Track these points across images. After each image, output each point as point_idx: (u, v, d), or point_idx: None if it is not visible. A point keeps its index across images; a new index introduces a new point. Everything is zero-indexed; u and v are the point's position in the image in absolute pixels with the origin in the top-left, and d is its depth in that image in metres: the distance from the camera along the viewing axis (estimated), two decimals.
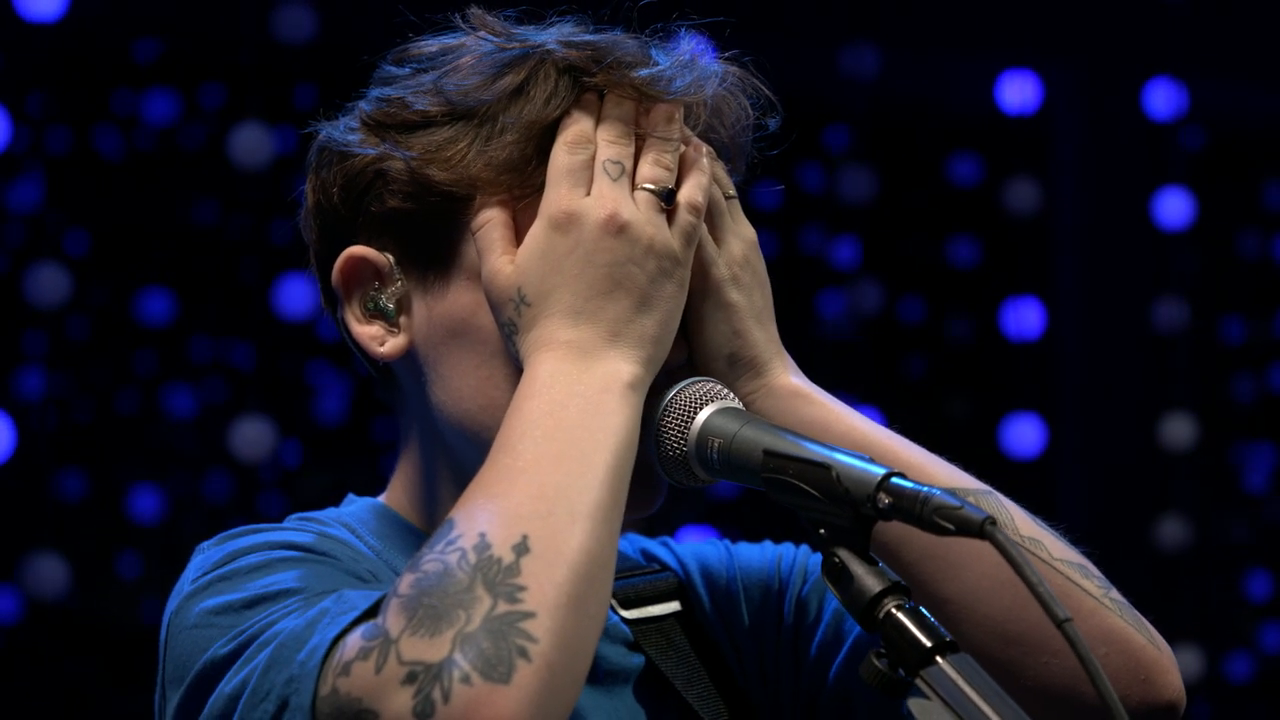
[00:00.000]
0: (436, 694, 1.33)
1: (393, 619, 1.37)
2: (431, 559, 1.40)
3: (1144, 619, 1.64)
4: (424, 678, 1.34)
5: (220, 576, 1.50)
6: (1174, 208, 5.41)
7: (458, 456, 1.64)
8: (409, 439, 1.68)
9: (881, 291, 5.36)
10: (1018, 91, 5.40)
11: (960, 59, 5.52)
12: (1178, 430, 5.36)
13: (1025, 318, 5.47)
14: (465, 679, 1.33)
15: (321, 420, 5.12)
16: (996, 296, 5.56)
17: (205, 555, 1.55)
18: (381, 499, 1.71)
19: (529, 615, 1.36)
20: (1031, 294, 5.51)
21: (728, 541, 1.83)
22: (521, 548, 1.39)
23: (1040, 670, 1.58)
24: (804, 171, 5.40)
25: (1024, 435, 5.29)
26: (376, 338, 1.63)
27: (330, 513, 1.68)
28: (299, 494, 4.94)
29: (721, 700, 1.71)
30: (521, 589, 1.37)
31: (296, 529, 1.59)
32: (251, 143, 4.13)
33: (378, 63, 1.67)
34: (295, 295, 4.32)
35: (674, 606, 1.74)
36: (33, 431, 4.62)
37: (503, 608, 1.36)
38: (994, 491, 1.62)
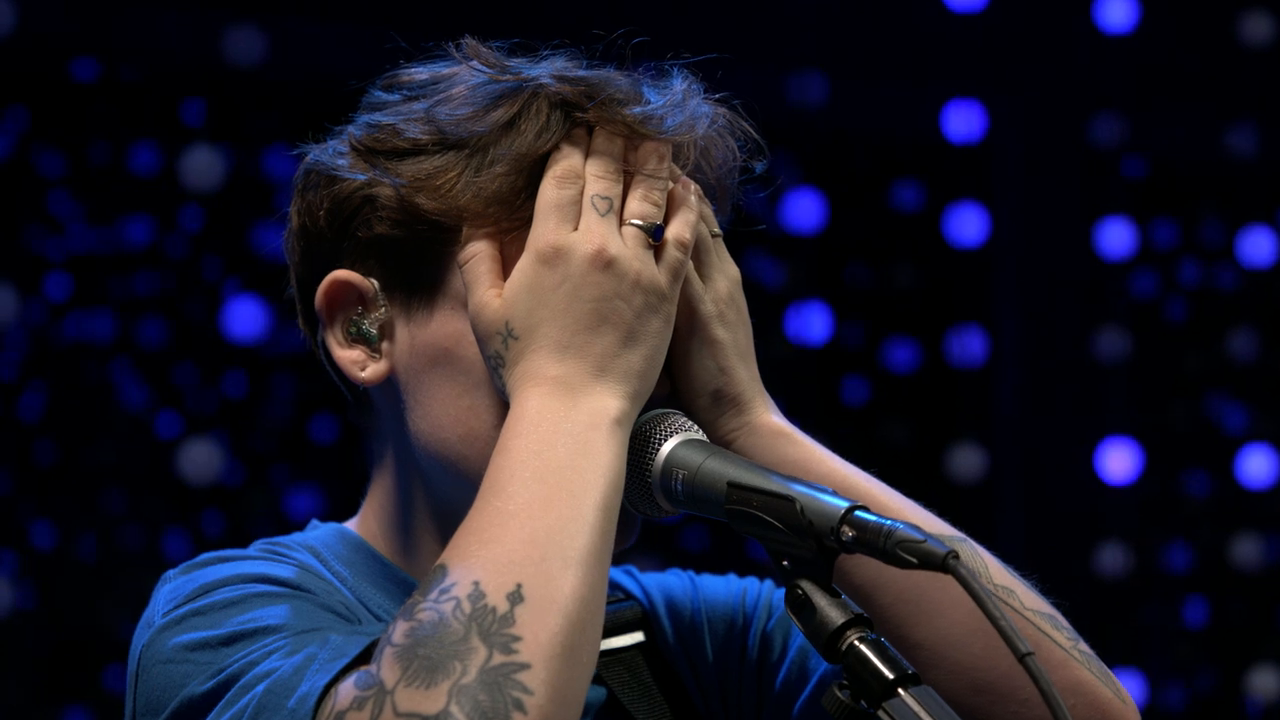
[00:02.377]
0: None
1: (387, 669, 1.36)
2: (426, 608, 1.39)
3: (1110, 672, 1.66)
4: None
5: (194, 611, 1.49)
6: (1116, 237, 5.45)
7: (433, 485, 1.64)
8: (383, 465, 1.68)
9: (825, 317, 5.37)
10: (962, 121, 5.43)
11: (906, 88, 5.55)
12: (1117, 459, 5.40)
13: (967, 345, 5.49)
14: None
15: (269, 441, 5.10)
16: (939, 323, 5.59)
17: (174, 585, 1.54)
18: (350, 525, 1.70)
19: (524, 667, 1.36)
20: (974, 321, 5.54)
21: (691, 572, 1.85)
22: (515, 596, 1.39)
23: (1009, 718, 1.60)
24: (747, 196, 5.39)
25: (965, 463, 5.30)
26: (358, 362, 1.63)
27: (296, 538, 1.68)
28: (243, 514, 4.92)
29: None
30: (516, 639, 1.37)
31: (267, 558, 1.59)
32: (201, 165, 4.12)
33: (366, 87, 1.67)
34: (243, 317, 4.31)
35: (638, 637, 1.75)
36: None
37: (498, 659, 1.36)
38: (969, 540, 1.63)
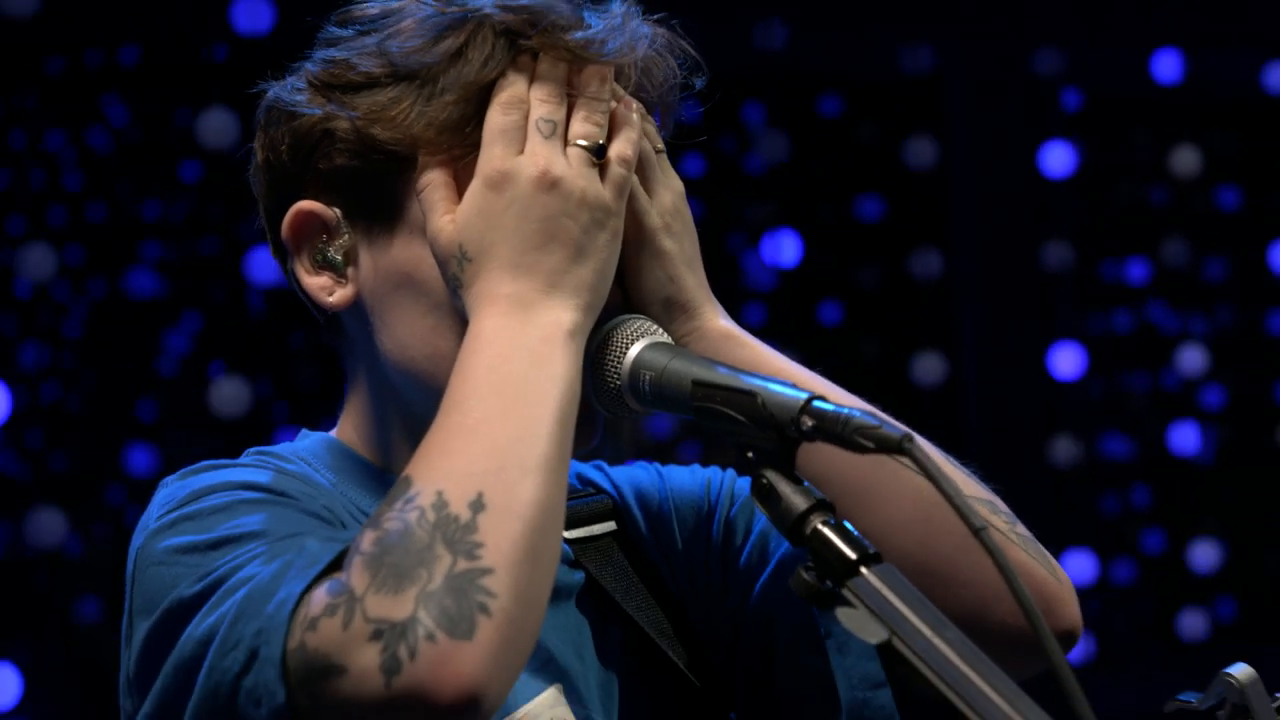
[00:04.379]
0: (403, 651, 1.28)
1: (357, 576, 1.31)
2: (392, 517, 1.34)
3: (1046, 552, 1.61)
4: (390, 635, 1.29)
5: (185, 515, 1.45)
6: (1058, 159, 5.46)
7: (405, 400, 1.59)
8: (356, 383, 1.63)
9: (798, 246, 5.32)
10: (914, 59, 5.38)
11: (862, 31, 5.47)
12: (1066, 360, 5.38)
13: (927, 264, 5.46)
14: (430, 636, 1.28)
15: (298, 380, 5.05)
16: (901, 246, 5.54)
17: (169, 490, 1.50)
18: (334, 434, 1.65)
19: (488, 571, 1.31)
20: (932, 242, 5.49)
21: (658, 465, 1.78)
22: (477, 504, 1.33)
23: (950, 600, 1.49)
24: (724, 139, 5.36)
25: (929, 369, 5.29)
26: (325, 288, 1.57)
27: (286, 447, 1.63)
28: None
29: (660, 610, 1.67)
30: (479, 545, 1.32)
31: (256, 464, 1.54)
32: (218, 125, 4.08)
33: (321, 24, 1.61)
34: (265, 265, 4.28)
35: (610, 526, 1.70)
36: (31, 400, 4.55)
37: (463, 565, 1.31)
38: (911, 432, 1.57)
